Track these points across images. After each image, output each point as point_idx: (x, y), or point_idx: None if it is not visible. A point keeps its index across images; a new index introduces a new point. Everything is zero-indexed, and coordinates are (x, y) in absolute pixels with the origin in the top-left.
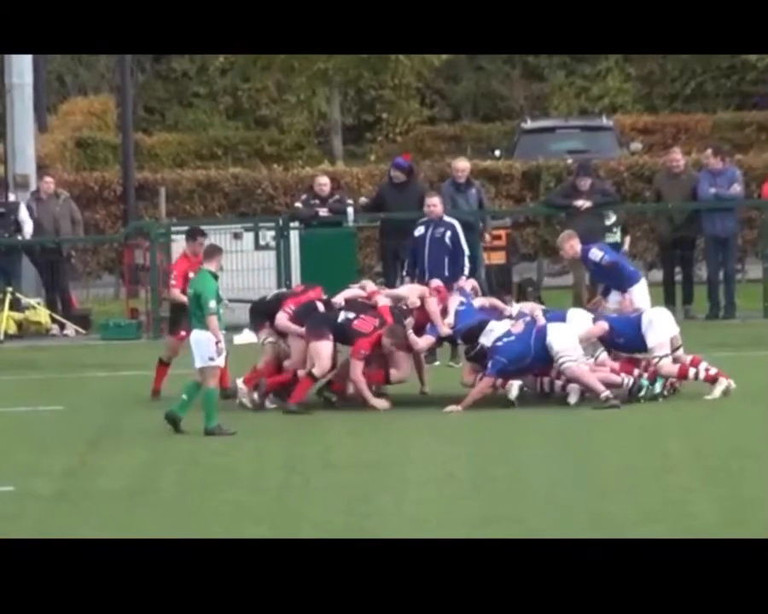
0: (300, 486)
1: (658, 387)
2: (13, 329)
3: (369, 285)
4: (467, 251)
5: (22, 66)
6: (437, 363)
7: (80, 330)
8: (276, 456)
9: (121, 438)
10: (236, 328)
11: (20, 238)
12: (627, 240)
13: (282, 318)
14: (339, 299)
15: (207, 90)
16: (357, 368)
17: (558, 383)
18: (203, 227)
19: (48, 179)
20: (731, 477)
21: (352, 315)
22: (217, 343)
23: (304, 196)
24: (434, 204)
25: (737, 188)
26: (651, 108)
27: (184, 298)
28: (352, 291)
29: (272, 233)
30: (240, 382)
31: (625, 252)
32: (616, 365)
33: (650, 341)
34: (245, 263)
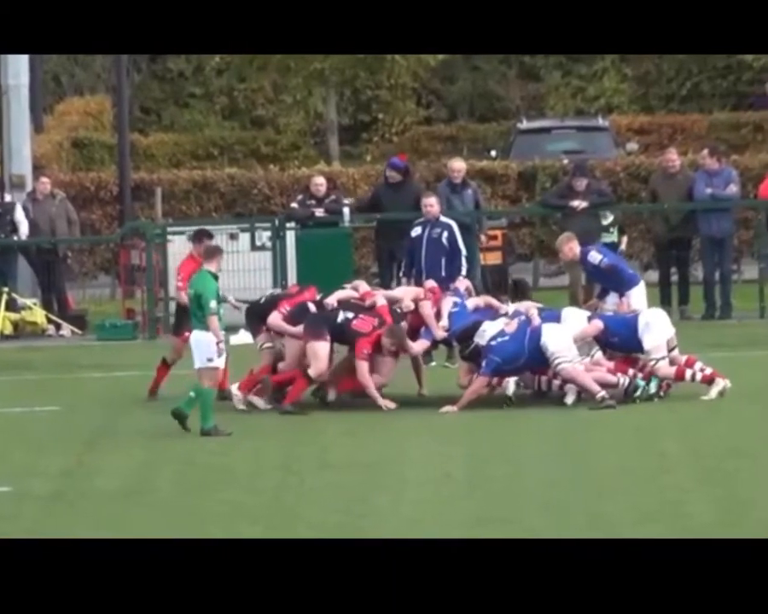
0: (296, 486)
1: (653, 387)
2: (9, 330)
3: (363, 285)
4: (464, 252)
5: (18, 66)
6: (433, 364)
7: (76, 330)
8: (273, 456)
9: (117, 439)
10: (233, 329)
11: (15, 238)
12: (624, 240)
13: (275, 318)
14: (331, 300)
15: (203, 91)
16: (363, 368)
17: (556, 382)
18: (198, 227)
19: (44, 179)
20: (728, 478)
21: (350, 314)
22: (218, 343)
23: (300, 196)
24: (431, 204)
25: (733, 189)
26: (647, 109)
27: None
28: (345, 292)
29: (268, 233)
30: (234, 388)
31: (622, 252)
32: (611, 364)
33: (647, 344)
34: (241, 264)
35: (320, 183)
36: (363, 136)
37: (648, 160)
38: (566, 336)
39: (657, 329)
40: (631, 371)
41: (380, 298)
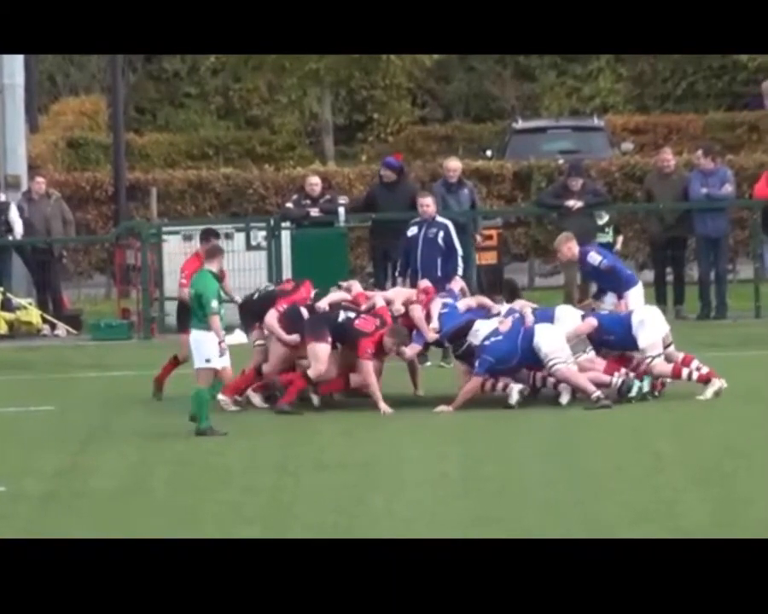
0: (292, 486)
1: (646, 386)
2: (4, 329)
3: (356, 286)
4: (460, 252)
5: (13, 66)
6: (428, 364)
7: (71, 330)
8: (269, 456)
9: (113, 438)
10: (229, 329)
11: (10, 238)
12: (620, 240)
13: (272, 317)
14: (323, 304)
15: (198, 91)
16: (368, 367)
17: (550, 380)
18: (193, 227)
19: (39, 179)
20: (723, 478)
21: (352, 314)
22: (220, 343)
23: (295, 196)
24: (427, 204)
25: (728, 188)
26: (642, 108)
27: None
28: (337, 294)
29: (263, 233)
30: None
31: (617, 253)
32: (603, 363)
33: (642, 341)
34: (236, 264)
35: (315, 183)
36: (359, 135)
37: (644, 160)
38: (559, 336)
39: (651, 326)
40: (623, 370)
41: (379, 299)
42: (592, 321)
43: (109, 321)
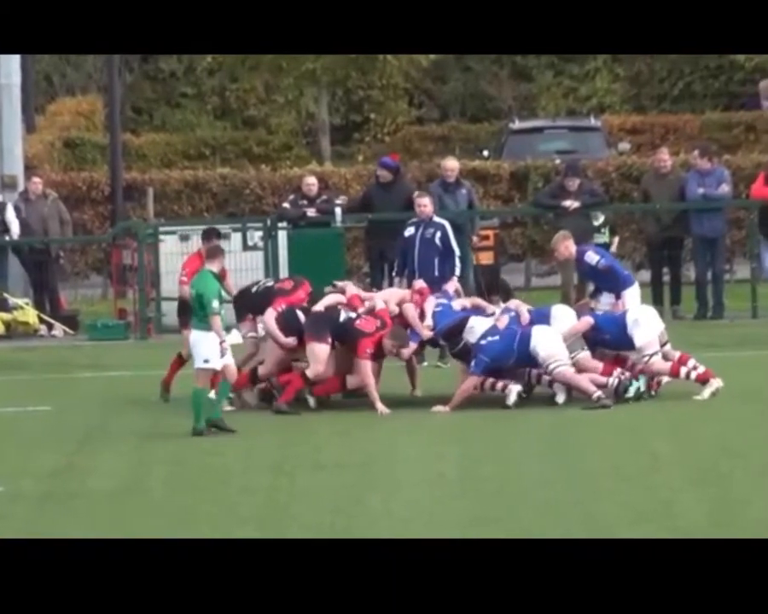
0: (289, 486)
1: (642, 385)
2: (1, 330)
3: (350, 287)
4: (457, 252)
5: (10, 66)
6: (425, 364)
7: (68, 330)
8: (265, 456)
9: (110, 438)
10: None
11: (7, 238)
12: (616, 240)
13: (270, 317)
14: (319, 308)
15: (195, 91)
16: (367, 367)
17: (546, 378)
18: (190, 227)
19: (36, 180)
20: (720, 478)
21: (353, 314)
22: (221, 343)
23: (292, 196)
24: (425, 204)
25: (725, 189)
26: (639, 109)
27: None
28: (333, 297)
29: (260, 233)
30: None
31: (613, 254)
32: (600, 365)
33: (638, 340)
34: (233, 264)
35: (312, 183)
36: (355, 136)
37: (640, 160)
38: (556, 338)
39: (646, 325)
40: (617, 370)
41: (378, 301)
42: (588, 320)
43: (106, 321)
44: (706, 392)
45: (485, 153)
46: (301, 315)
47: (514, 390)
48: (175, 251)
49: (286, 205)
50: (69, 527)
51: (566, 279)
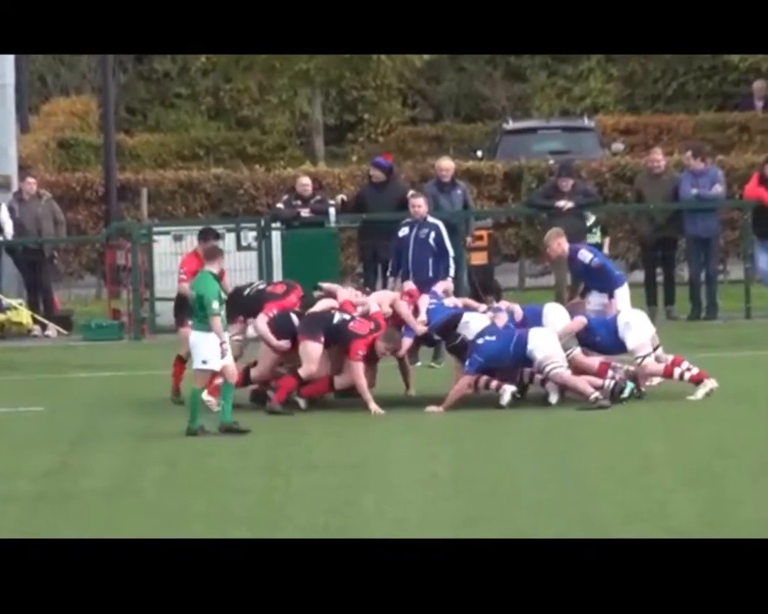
0: (283, 487)
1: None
2: None
3: (341, 291)
4: (451, 252)
5: (4, 66)
6: (419, 364)
7: (62, 331)
8: (259, 457)
9: (103, 439)
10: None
11: (1, 239)
12: (607, 241)
13: (261, 322)
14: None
15: (189, 91)
16: (359, 369)
17: (538, 376)
18: (184, 228)
19: (30, 180)
20: (713, 478)
21: (347, 316)
22: (221, 344)
23: (285, 197)
24: (419, 204)
25: (719, 189)
26: (633, 109)
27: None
28: (326, 303)
29: (254, 233)
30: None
31: (606, 254)
32: (596, 362)
33: (630, 343)
34: (227, 264)
35: (306, 184)
36: (349, 136)
37: (634, 160)
38: (552, 340)
39: (638, 327)
40: (610, 372)
41: (372, 304)
42: (582, 319)
43: (100, 321)
44: (700, 393)
45: (479, 153)
46: (294, 319)
47: (509, 390)
48: (169, 252)
49: (280, 205)
50: (63, 527)
51: (559, 279)
